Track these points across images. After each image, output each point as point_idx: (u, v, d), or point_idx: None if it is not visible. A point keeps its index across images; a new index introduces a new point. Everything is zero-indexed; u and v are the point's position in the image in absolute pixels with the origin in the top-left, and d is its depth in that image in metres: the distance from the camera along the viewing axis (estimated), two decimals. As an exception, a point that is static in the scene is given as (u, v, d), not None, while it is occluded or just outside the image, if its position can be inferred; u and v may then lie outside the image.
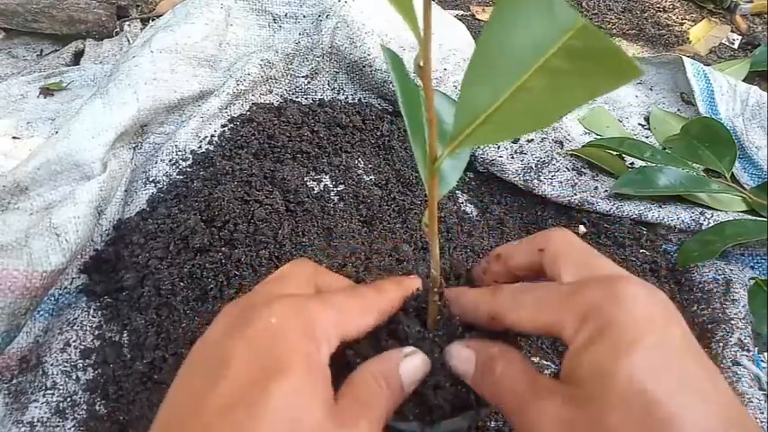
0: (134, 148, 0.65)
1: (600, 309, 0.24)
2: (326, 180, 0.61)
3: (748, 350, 0.51)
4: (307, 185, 0.59)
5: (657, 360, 0.22)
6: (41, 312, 0.52)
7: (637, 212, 0.62)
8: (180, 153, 0.63)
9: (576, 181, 0.66)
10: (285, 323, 0.26)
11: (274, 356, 0.24)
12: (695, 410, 0.21)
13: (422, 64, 0.21)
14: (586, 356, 0.23)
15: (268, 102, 0.71)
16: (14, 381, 0.49)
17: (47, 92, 0.76)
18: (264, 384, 0.23)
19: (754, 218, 0.61)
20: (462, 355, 0.29)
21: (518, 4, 0.19)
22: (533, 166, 0.66)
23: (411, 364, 0.29)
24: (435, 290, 0.31)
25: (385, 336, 0.31)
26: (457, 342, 0.30)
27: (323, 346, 0.26)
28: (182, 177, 0.61)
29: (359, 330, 0.29)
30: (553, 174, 0.66)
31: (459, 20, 0.81)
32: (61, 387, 0.47)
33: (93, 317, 0.51)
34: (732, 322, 0.53)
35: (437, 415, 0.29)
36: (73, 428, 0.45)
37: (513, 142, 0.68)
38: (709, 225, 0.60)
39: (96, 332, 0.50)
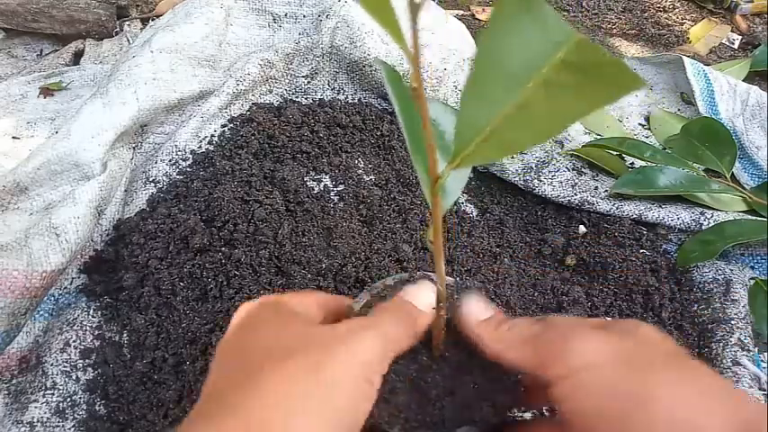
0: (134, 148, 0.65)
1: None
2: (326, 180, 0.61)
3: (748, 350, 0.51)
4: (307, 185, 0.59)
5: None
6: (41, 312, 0.52)
7: (637, 212, 0.62)
8: (180, 153, 0.63)
9: (576, 181, 0.66)
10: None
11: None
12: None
13: (415, 85, 0.21)
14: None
15: (268, 102, 0.71)
16: (14, 381, 0.49)
17: (47, 92, 0.76)
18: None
19: (754, 218, 0.61)
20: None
21: (512, 20, 0.18)
22: (533, 166, 0.66)
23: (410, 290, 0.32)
24: (441, 304, 0.31)
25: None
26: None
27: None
28: (182, 177, 0.61)
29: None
30: (553, 174, 0.66)
31: (459, 20, 0.81)
32: (61, 387, 0.47)
33: (93, 317, 0.51)
34: (732, 322, 0.53)
35: (450, 424, 0.30)
36: (73, 428, 0.45)
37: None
38: (709, 225, 0.60)
39: (96, 332, 0.50)
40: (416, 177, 0.63)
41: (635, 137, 0.74)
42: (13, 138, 0.69)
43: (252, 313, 0.29)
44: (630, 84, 0.17)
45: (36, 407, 0.46)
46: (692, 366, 0.25)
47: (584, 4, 1.06)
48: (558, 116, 0.19)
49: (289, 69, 0.72)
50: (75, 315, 0.51)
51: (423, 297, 0.31)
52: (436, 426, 0.30)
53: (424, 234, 0.57)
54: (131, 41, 0.87)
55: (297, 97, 0.72)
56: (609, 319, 0.33)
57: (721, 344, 0.52)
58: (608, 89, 0.17)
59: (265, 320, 0.28)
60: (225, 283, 0.50)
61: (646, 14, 1.04)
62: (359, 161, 0.64)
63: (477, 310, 0.31)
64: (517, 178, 0.65)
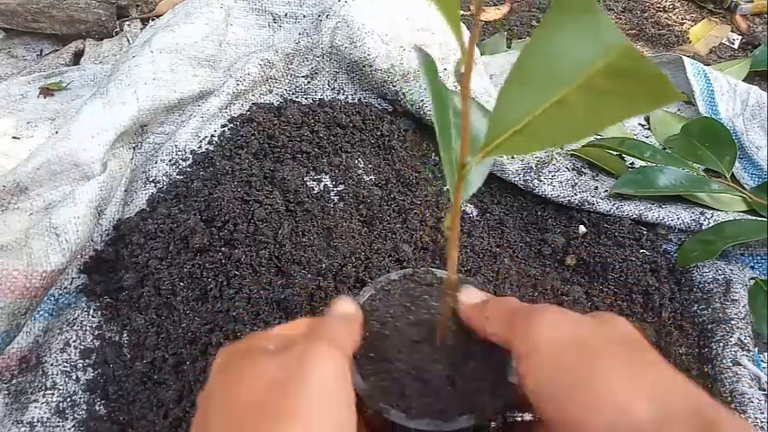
0: (134, 148, 0.65)
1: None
2: (326, 180, 0.61)
3: (748, 350, 0.51)
4: (307, 185, 0.59)
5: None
6: (41, 312, 0.52)
7: (637, 212, 0.62)
8: (180, 153, 0.63)
9: (576, 181, 0.66)
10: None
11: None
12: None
13: (462, 71, 0.22)
14: None
15: (268, 102, 0.71)
16: (14, 381, 0.49)
17: (47, 92, 0.76)
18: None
19: (754, 218, 0.61)
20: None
21: (566, 22, 0.19)
22: (533, 166, 0.66)
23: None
24: (449, 291, 0.31)
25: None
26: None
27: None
28: (182, 177, 0.61)
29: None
30: (553, 174, 0.66)
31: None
32: (61, 387, 0.47)
33: (93, 317, 0.51)
34: (732, 322, 0.53)
35: (452, 412, 0.30)
36: (73, 428, 0.45)
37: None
38: (710, 225, 0.60)
39: (96, 332, 0.50)
40: (417, 177, 0.63)
41: (635, 137, 0.74)
42: (13, 138, 0.69)
43: (229, 361, 0.28)
44: (670, 96, 0.17)
45: (36, 407, 0.46)
46: (645, 358, 0.25)
47: (584, 4, 1.06)
48: (594, 119, 0.19)
49: (289, 69, 0.72)
50: (75, 315, 0.51)
51: (345, 306, 0.32)
52: (437, 414, 0.30)
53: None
54: (131, 41, 0.87)
55: (297, 97, 0.72)
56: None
57: (721, 344, 0.52)
58: (648, 99, 0.18)
59: (242, 368, 0.27)
60: (225, 283, 0.50)
61: (646, 14, 1.04)
62: (359, 161, 0.64)
63: (471, 298, 0.33)
64: (517, 178, 0.65)
